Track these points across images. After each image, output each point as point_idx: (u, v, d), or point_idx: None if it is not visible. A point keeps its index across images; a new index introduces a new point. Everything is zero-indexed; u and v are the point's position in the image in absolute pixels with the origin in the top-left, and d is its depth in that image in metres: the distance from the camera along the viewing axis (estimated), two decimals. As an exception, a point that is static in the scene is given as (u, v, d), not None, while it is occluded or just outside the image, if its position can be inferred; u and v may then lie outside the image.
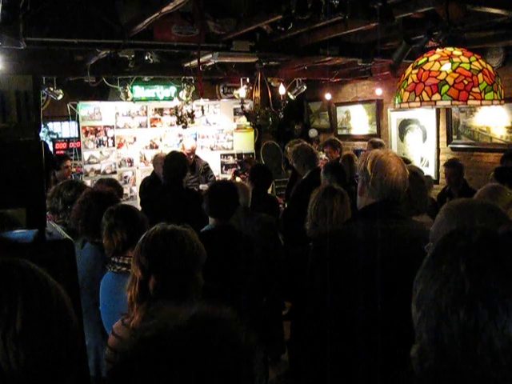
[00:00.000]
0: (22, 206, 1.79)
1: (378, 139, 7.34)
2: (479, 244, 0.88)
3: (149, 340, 0.90)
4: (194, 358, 0.86)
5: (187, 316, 0.92)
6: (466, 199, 1.95)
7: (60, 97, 7.26)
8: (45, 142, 6.96)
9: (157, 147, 8.27)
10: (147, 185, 6.21)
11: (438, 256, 0.91)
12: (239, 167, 8.59)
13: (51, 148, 7.97)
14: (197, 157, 6.97)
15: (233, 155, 8.94)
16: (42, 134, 8.05)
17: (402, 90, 3.12)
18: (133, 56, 5.74)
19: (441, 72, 2.97)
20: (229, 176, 8.28)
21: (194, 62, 5.94)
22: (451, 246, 0.91)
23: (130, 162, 8.21)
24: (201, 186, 6.35)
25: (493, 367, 0.82)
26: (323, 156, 6.98)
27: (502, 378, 0.82)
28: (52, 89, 7.09)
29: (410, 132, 8.15)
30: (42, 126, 8.00)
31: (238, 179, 7.22)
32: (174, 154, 5.17)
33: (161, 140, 8.39)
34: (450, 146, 7.48)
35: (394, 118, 8.41)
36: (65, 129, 8.33)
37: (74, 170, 7.61)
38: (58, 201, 3.46)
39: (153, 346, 0.89)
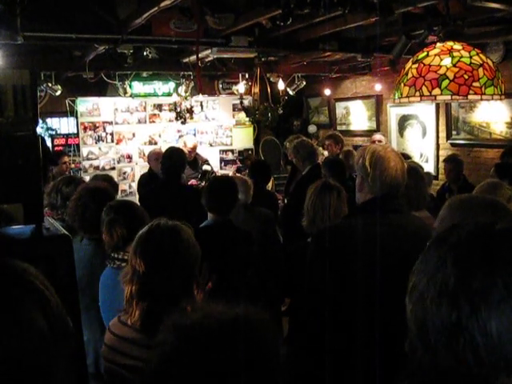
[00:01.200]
0: (19, 201, 1.78)
1: (378, 136, 7.32)
2: (468, 239, 0.88)
3: (194, 332, 0.90)
4: (234, 354, 0.87)
5: (232, 314, 0.93)
6: (470, 195, 1.94)
7: (58, 92, 7.24)
8: (42, 137, 6.96)
9: (156, 143, 8.25)
10: (144, 181, 6.18)
11: (431, 250, 0.92)
12: (241, 164, 8.57)
13: (50, 144, 7.95)
14: (197, 153, 6.96)
15: (232, 151, 8.92)
16: (40, 130, 8.03)
17: (402, 84, 3.11)
18: (131, 51, 5.73)
19: (441, 66, 2.96)
20: (229, 172, 8.26)
21: (193, 57, 5.93)
22: (443, 240, 0.91)
23: (129, 157, 8.20)
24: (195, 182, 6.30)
25: (476, 364, 0.82)
26: (325, 152, 6.95)
27: (485, 375, 0.82)
28: (50, 84, 7.07)
29: (410, 127, 8.13)
30: (41, 121, 7.97)
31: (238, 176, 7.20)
32: (172, 150, 5.15)
33: (160, 136, 8.37)
34: (449, 141, 7.46)
35: (393, 113, 8.39)
36: (63, 125, 8.31)
37: (72, 166, 7.59)
38: (56, 196, 3.46)
39: (198, 337, 0.90)
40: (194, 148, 6.74)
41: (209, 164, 6.83)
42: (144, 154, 8.18)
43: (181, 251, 1.89)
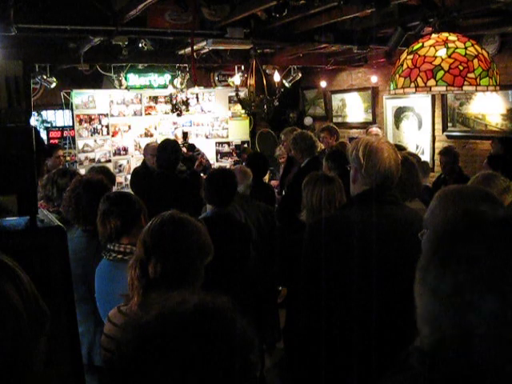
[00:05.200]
0: (13, 192, 1.77)
1: (374, 129, 7.30)
2: (475, 233, 0.85)
3: (151, 330, 0.90)
4: (195, 348, 0.87)
5: (190, 306, 0.92)
6: (460, 185, 1.94)
7: (53, 85, 7.20)
8: (36, 129, 6.92)
9: (151, 135, 8.24)
10: (137, 175, 6.12)
11: (444, 243, 0.89)
12: (238, 159, 8.56)
13: (45, 137, 7.92)
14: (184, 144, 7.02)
15: (228, 143, 8.91)
16: (36, 123, 8.00)
17: (397, 75, 3.10)
18: (126, 43, 5.69)
19: (436, 57, 2.95)
20: (226, 165, 8.26)
21: (189, 49, 5.90)
22: (451, 233, 0.89)
23: (125, 150, 8.18)
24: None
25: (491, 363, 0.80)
26: (321, 145, 6.93)
27: (494, 364, 0.81)
28: (45, 77, 7.03)
29: (406, 119, 8.13)
30: (36, 114, 7.94)
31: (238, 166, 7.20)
32: (167, 142, 5.15)
33: (155, 128, 8.36)
34: (445, 133, 7.47)
35: (389, 105, 8.39)
36: (59, 117, 8.28)
37: (68, 158, 7.57)
38: (52, 188, 3.46)
39: (155, 336, 0.89)
40: (184, 137, 6.84)
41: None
42: (140, 147, 8.16)
43: (180, 242, 1.89)
